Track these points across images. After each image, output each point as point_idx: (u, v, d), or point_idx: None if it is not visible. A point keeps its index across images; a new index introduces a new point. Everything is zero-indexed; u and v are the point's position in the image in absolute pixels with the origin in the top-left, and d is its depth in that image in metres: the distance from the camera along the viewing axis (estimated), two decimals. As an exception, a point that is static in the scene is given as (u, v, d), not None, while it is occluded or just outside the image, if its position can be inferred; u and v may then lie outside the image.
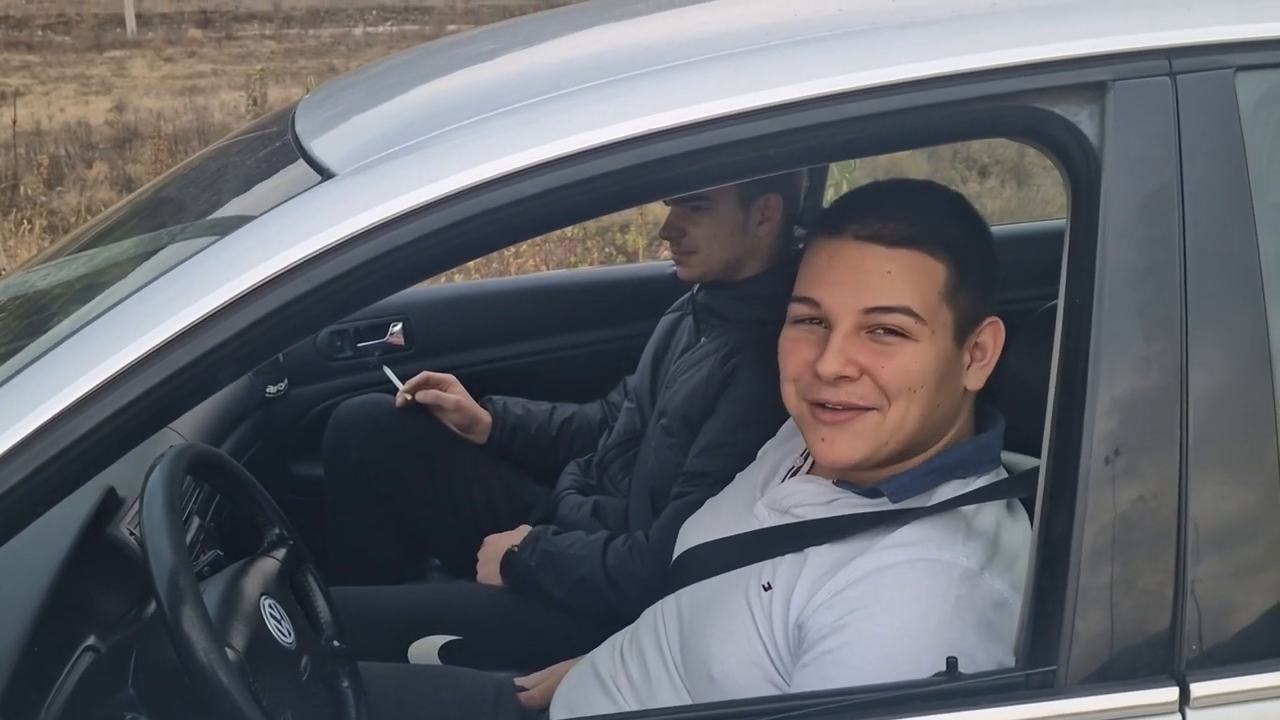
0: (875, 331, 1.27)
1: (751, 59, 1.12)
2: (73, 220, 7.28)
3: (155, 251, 1.27)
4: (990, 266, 1.34)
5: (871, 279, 1.27)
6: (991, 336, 1.33)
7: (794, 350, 1.33)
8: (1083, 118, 1.10)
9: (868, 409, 1.28)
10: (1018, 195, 7.59)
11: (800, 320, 1.33)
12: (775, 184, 2.07)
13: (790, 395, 1.34)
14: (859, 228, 1.28)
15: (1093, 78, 1.09)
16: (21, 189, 8.05)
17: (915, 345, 1.27)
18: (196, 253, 1.09)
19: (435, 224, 1.05)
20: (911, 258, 1.27)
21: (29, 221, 7.04)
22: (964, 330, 1.31)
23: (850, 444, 1.29)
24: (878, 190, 1.40)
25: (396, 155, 1.09)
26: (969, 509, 1.28)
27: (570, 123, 1.07)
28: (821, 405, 1.30)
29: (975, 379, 1.33)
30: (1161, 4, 1.16)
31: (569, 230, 6.00)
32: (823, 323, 1.30)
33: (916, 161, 6.28)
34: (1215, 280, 1.10)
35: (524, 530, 2.14)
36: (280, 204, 1.09)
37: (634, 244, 6.42)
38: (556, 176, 1.06)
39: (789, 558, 1.32)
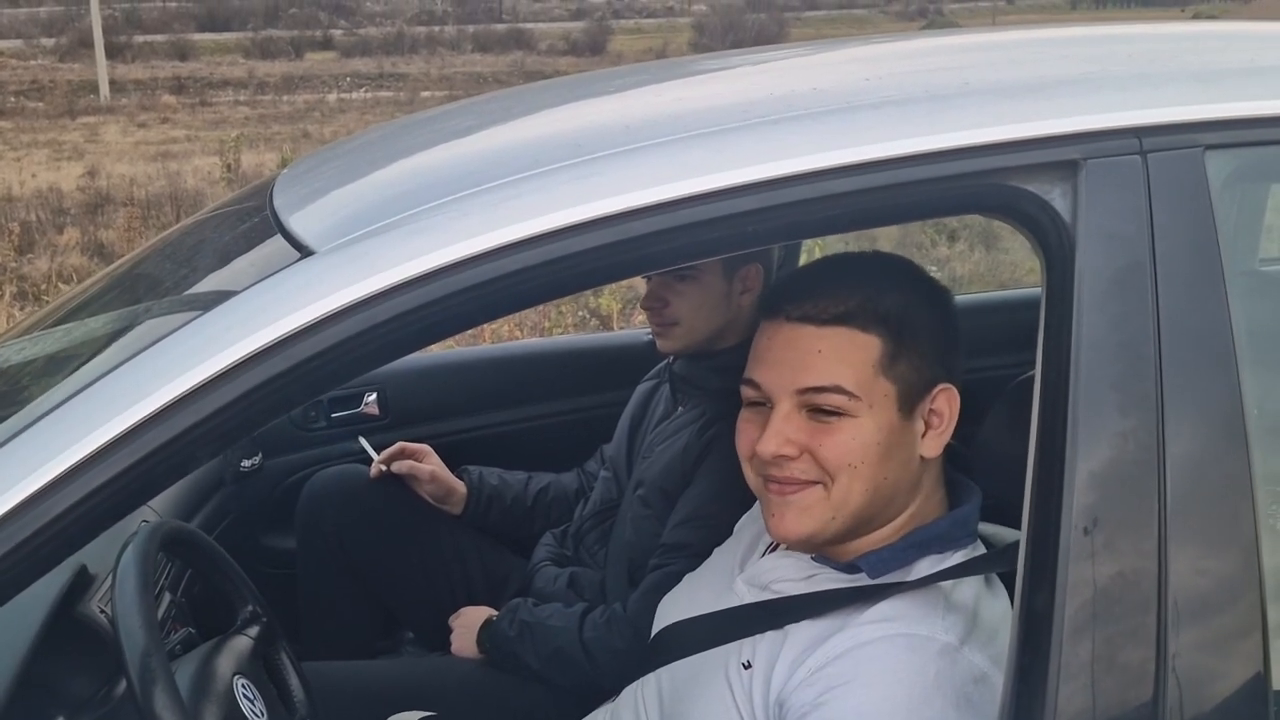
0: (814, 411, 1.28)
1: (728, 137, 1.13)
2: (43, 287, 7.25)
3: (132, 327, 1.26)
4: (941, 332, 1.33)
5: (804, 359, 1.28)
6: (946, 403, 1.32)
7: (743, 431, 1.35)
8: (1055, 195, 1.11)
9: (812, 483, 1.29)
10: (986, 259, 7.69)
11: (750, 402, 1.35)
12: (757, 254, 2.08)
13: (748, 473, 1.36)
14: (792, 308, 1.30)
15: (1065, 156, 1.11)
16: (-9, 255, 8.03)
17: (853, 421, 1.27)
18: (173, 330, 1.07)
19: (413, 302, 1.04)
20: (841, 334, 1.28)
21: (-1, 288, 7.01)
22: (910, 399, 1.30)
23: (797, 518, 1.30)
24: (812, 269, 1.42)
25: (375, 233, 1.08)
26: (947, 583, 1.28)
27: (547, 201, 1.07)
28: (772, 479, 1.31)
29: (931, 447, 1.32)
30: (1131, 84, 1.19)
31: (542, 295, 6.01)
32: (766, 404, 1.32)
33: (887, 226, 6.33)
34: (1189, 354, 1.11)
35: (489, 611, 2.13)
36: (258, 281, 1.08)
37: (608, 308, 6.45)
38: (534, 254, 1.06)
39: (769, 635, 1.31)
